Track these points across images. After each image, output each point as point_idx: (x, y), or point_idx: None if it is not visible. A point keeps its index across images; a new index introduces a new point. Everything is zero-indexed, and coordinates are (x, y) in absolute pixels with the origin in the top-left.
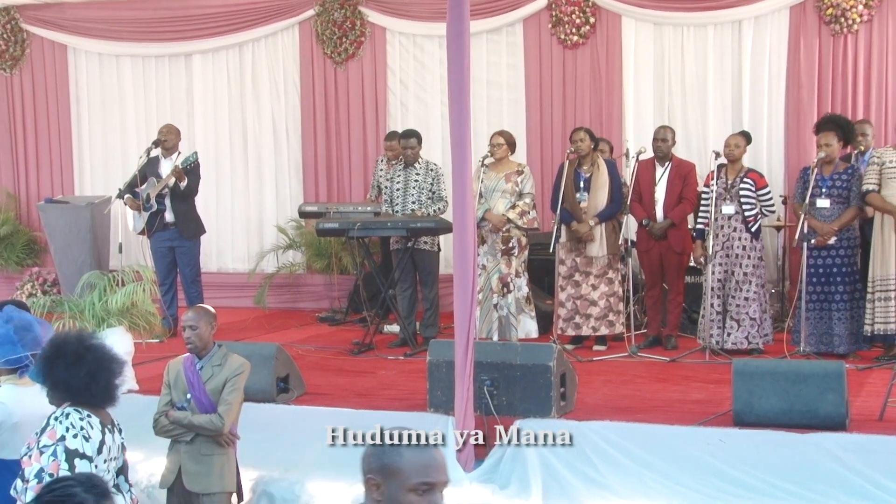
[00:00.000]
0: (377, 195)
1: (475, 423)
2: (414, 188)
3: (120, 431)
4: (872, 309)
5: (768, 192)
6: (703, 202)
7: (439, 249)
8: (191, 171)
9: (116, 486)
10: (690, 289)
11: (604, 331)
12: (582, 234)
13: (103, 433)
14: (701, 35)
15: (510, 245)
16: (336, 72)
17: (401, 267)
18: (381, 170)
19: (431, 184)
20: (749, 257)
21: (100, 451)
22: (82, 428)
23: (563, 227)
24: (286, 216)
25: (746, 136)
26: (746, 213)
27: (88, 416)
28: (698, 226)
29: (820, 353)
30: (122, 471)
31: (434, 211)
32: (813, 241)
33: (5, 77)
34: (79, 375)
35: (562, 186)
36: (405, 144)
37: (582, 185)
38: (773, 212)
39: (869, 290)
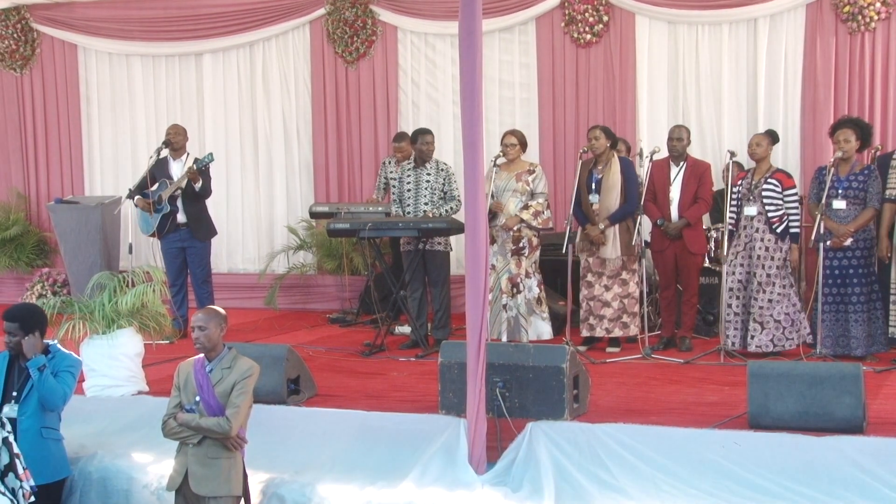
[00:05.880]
0: (384, 196)
1: (487, 425)
2: (426, 188)
3: (3, 426)
4: None
5: (793, 193)
6: (732, 203)
7: (451, 249)
8: (203, 171)
9: None
10: (705, 290)
11: (617, 332)
12: (593, 238)
13: None
14: (716, 33)
15: (520, 245)
16: (347, 71)
17: (412, 268)
18: (391, 171)
19: (443, 184)
20: (772, 258)
21: None
22: None
23: (580, 231)
24: (297, 216)
25: (771, 136)
26: (770, 214)
27: None
28: (729, 227)
29: (837, 356)
30: (11, 467)
31: (446, 211)
32: (829, 243)
33: (16, 77)
34: None
35: (575, 186)
36: (423, 140)
37: (594, 186)
38: (796, 212)
39: (893, 291)
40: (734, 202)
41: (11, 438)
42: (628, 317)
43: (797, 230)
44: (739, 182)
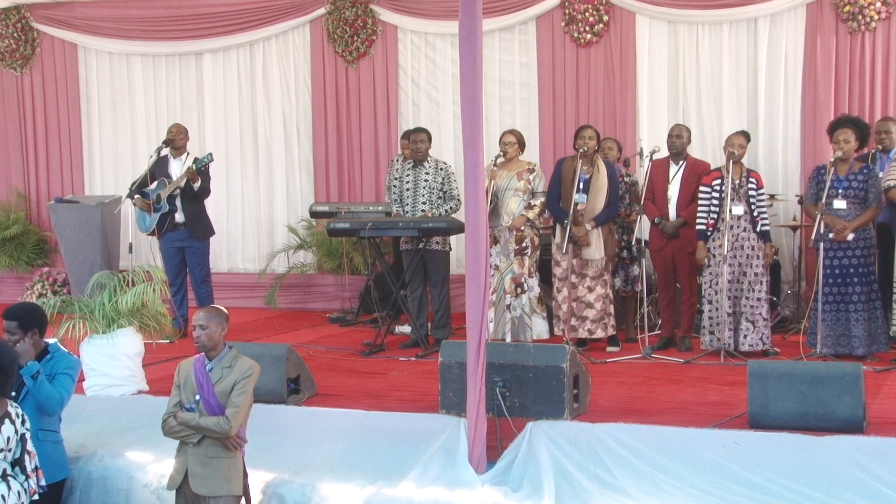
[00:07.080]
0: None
1: (487, 424)
2: (424, 188)
3: (24, 423)
4: None
5: (763, 193)
6: (702, 202)
7: (450, 249)
8: (202, 171)
9: (4, 476)
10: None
11: (599, 333)
12: (578, 238)
13: None
14: (716, 33)
15: (523, 245)
16: (347, 70)
17: (412, 267)
18: (397, 168)
19: (442, 183)
20: (758, 258)
21: None
22: None
23: (559, 228)
24: (297, 216)
25: (747, 136)
26: (754, 214)
27: None
28: (699, 227)
29: (837, 355)
30: (19, 461)
31: (446, 210)
32: (831, 235)
33: (16, 76)
34: None
35: (563, 183)
36: (416, 139)
37: (581, 186)
38: (766, 211)
39: (895, 290)
40: (710, 203)
41: (28, 436)
42: (608, 317)
43: (768, 227)
44: (714, 182)
